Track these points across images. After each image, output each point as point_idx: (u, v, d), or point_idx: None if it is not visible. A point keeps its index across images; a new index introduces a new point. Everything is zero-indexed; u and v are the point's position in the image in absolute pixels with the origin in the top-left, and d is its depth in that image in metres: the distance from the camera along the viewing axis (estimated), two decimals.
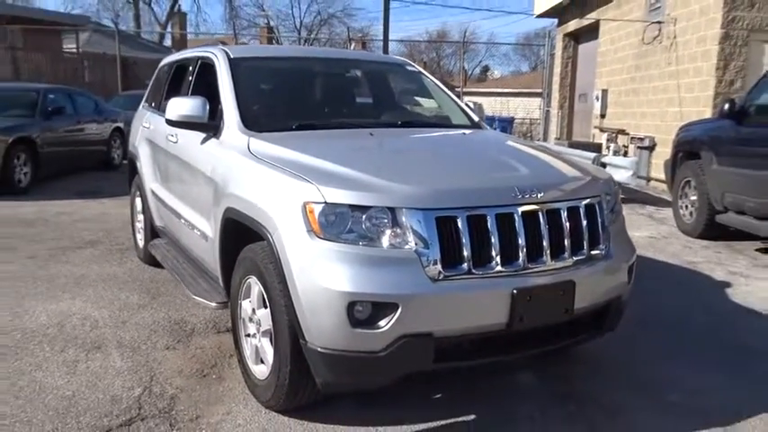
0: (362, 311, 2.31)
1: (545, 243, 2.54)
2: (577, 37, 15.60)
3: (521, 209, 2.51)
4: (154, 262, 4.91)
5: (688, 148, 7.04)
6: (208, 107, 3.40)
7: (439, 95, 4.30)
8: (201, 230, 3.46)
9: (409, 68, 4.45)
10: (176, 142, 3.96)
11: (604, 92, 13.05)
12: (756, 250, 6.26)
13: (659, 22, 10.53)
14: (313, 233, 2.39)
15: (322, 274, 2.34)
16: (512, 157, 3.16)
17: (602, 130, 13.05)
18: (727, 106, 5.99)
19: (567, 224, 2.62)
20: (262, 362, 2.82)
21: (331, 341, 2.36)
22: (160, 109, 4.73)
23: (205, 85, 3.98)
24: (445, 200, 2.43)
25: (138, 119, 5.25)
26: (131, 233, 5.61)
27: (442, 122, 4.06)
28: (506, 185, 2.56)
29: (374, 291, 2.30)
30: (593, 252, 2.72)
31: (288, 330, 2.49)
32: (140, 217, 5.15)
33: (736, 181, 5.99)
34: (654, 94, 10.97)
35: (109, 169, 11.45)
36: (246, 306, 2.92)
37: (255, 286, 2.77)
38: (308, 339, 2.42)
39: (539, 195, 2.56)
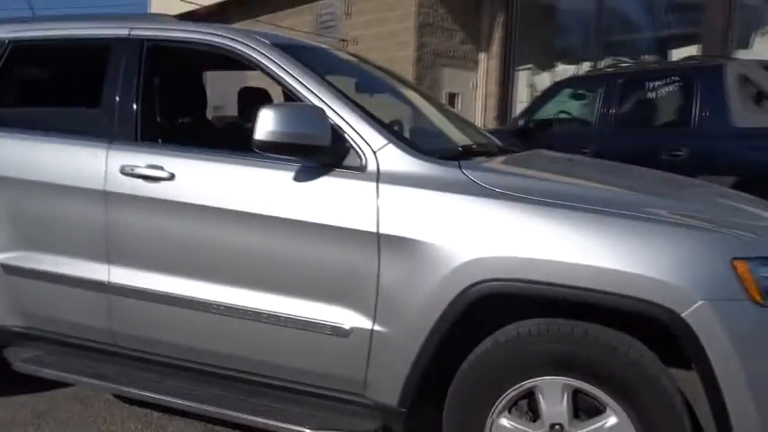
0: None
1: None
2: None
3: None
4: None
5: None
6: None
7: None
8: (322, 322, 2.13)
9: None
10: (171, 179, 2.30)
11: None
12: None
13: (344, 40, 10.99)
14: None
15: None
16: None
17: None
18: (521, 123, 6.67)
19: None
20: None
21: None
22: (23, 125, 2.70)
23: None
24: None
25: None
26: None
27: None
28: None
29: None
30: None
31: None
32: None
33: None
34: None
35: None
36: (517, 426, 1.98)
37: (556, 394, 1.91)
38: None
39: None
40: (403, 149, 2.15)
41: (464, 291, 1.95)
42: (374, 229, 2.05)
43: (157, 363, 2.46)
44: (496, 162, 2.45)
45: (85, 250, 2.48)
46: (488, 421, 2.00)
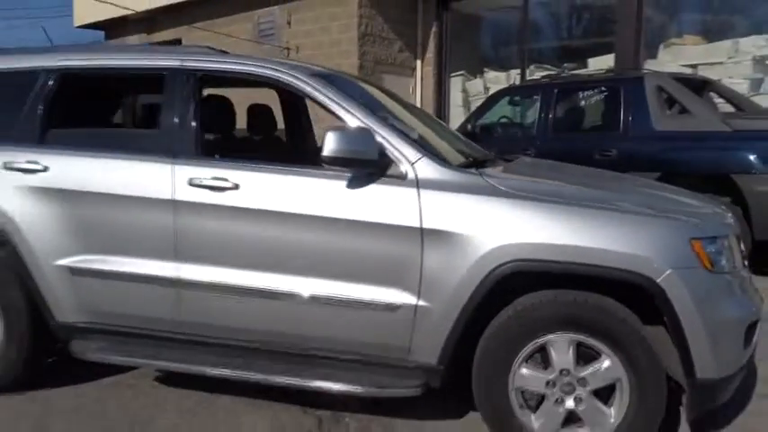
0: None
1: None
2: None
3: None
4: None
5: None
6: None
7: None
8: (376, 301, 2.65)
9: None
10: (236, 188, 2.75)
11: None
12: None
13: (287, 48, 11.34)
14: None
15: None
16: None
17: None
18: (469, 127, 7.30)
19: None
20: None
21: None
22: (83, 144, 3.03)
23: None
24: None
25: None
26: None
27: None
28: None
29: None
30: None
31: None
32: None
33: None
34: None
35: None
36: (533, 374, 2.56)
37: (563, 346, 2.53)
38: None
39: None
40: (434, 161, 2.70)
41: (491, 271, 2.52)
42: (418, 225, 2.58)
43: (224, 346, 2.88)
44: (502, 169, 3.03)
45: (154, 250, 2.87)
46: (511, 371, 2.57)
